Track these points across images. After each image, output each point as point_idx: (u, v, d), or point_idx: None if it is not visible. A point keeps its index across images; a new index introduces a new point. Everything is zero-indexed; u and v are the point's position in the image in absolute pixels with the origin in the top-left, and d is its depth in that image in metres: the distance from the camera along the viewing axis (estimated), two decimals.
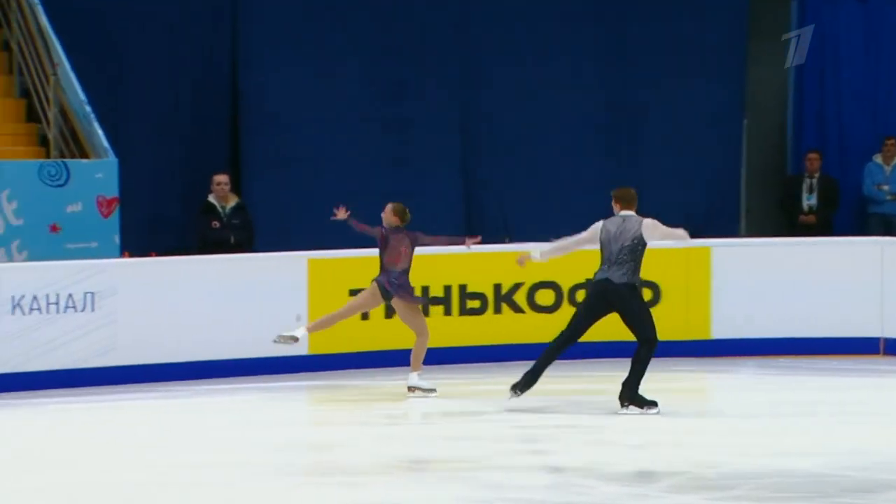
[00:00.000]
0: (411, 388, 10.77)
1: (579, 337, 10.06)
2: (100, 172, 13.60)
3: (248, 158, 16.14)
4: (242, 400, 11.33)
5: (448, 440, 9.39)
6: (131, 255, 13.66)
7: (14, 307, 11.29)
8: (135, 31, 15.61)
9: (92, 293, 11.92)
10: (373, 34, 15.97)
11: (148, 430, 10.12)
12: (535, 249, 10.46)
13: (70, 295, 11.81)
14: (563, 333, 10.06)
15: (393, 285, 10.78)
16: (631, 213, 10.05)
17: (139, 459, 8.65)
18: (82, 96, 13.93)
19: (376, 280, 10.86)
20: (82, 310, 11.89)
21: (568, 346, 10.06)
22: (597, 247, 10.02)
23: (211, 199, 14.17)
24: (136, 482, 7.78)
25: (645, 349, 9.75)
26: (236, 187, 15.06)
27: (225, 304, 12.47)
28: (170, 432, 9.97)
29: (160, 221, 15.41)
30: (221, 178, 14.43)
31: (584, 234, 10.08)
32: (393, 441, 9.47)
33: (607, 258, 9.90)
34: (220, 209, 14.26)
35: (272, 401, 11.35)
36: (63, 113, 14.01)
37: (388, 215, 10.89)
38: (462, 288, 12.93)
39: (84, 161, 13.77)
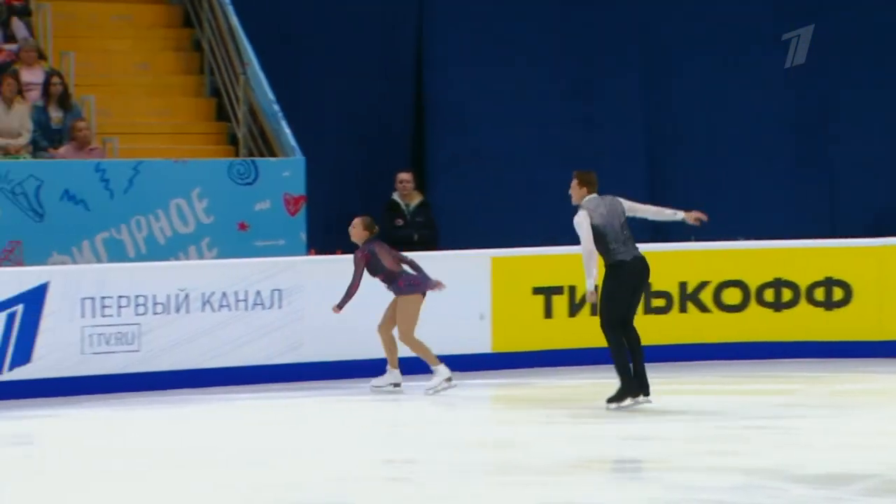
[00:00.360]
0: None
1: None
2: (287, 171, 13.79)
3: (431, 156, 16.24)
4: (426, 398, 11.35)
5: (636, 440, 9.21)
6: (317, 253, 13.82)
7: (204, 304, 11.47)
8: (321, 31, 15.92)
9: (279, 290, 12.06)
10: (557, 30, 15.94)
11: (334, 426, 10.21)
12: (591, 282, 9.88)
13: (258, 292, 11.96)
14: (619, 329, 9.86)
15: (412, 286, 10.90)
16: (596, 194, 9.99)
17: (330, 456, 8.71)
18: (270, 95, 14.16)
19: (401, 293, 10.95)
20: (270, 307, 12.03)
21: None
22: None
23: (395, 196, 14.26)
24: (330, 478, 7.82)
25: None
26: (420, 185, 15.08)
27: None
28: (355, 429, 10.03)
29: (345, 219, 15.51)
30: (405, 176, 14.49)
31: (589, 237, 9.74)
32: (580, 441, 9.31)
33: (615, 238, 9.77)
34: (403, 207, 14.33)
35: (457, 399, 11.29)
36: (252, 112, 14.27)
37: (359, 230, 11.01)
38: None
39: (272, 159, 14.00)
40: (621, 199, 9.96)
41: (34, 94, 13.47)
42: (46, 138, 13.45)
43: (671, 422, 9.79)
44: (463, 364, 12.00)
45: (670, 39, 16.21)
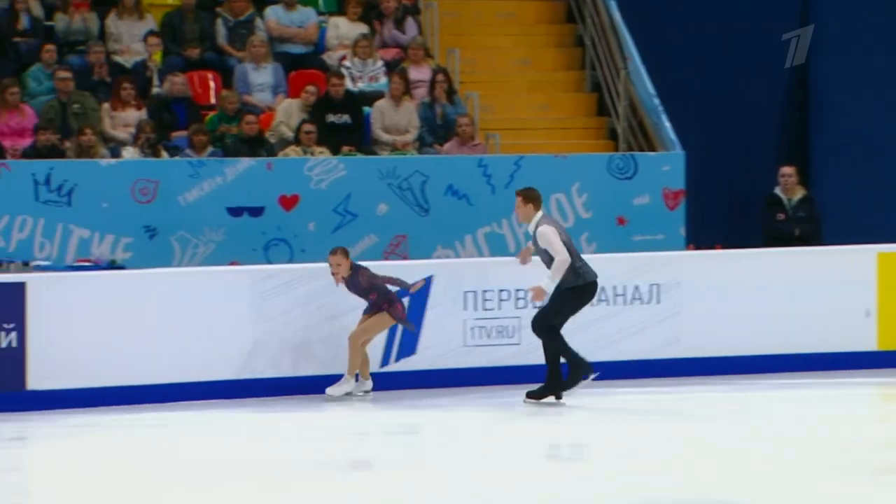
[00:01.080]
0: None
1: None
2: (667, 165, 13.79)
3: (816, 149, 16.06)
4: (821, 395, 11.28)
5: None
6: (696, 248, 13.82)
7: None
8: (700, 24, 16.07)
9: (657, 285, 12.04)
10: None
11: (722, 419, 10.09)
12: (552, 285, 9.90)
13: (636, 287, 11.99)
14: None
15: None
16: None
17: (723, 450, 8.60)
18: (651, 89, 14.29)
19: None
20: (648, 302, 12.04)
21: None
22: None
23: (777, 191, 14.07)
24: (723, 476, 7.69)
25: None
26: (804, 179, 14.87)
27: (789, 298, 12.21)
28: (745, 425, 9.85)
29: (724, 214, 15.53)
30: (788, 170, 14.23)
31: (563, 245, 9.74)
32: None
33: (578, 256, 9.96)
34: (785, 202, 14.07)
35: (838, 398, 11.20)
36: (632, 106, 14.41)
37: (345, 263, 10.22)
38: None
39: (651, 154, 14.09)
40: None
41: (421, 92, 14.00)
42: (432, 134, 13.92)
43: None
44: (846, 362, 11.89)
45: None
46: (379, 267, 10.80)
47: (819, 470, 7.88)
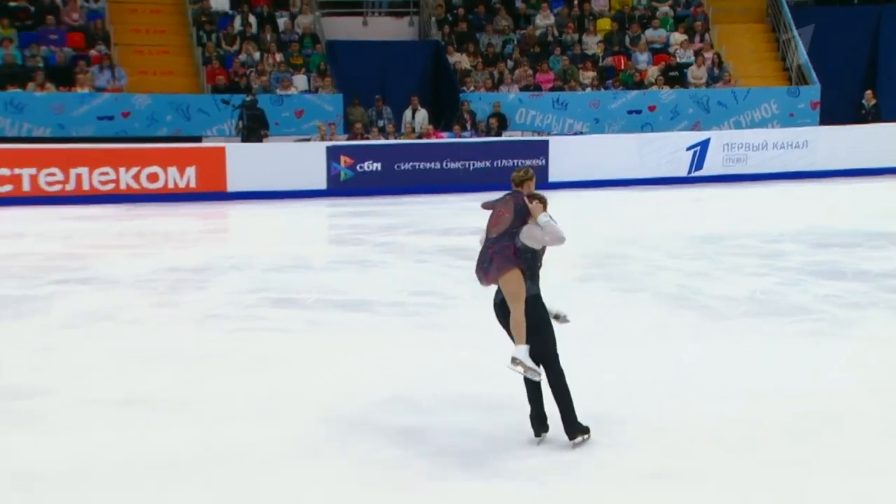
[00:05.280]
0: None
1: None
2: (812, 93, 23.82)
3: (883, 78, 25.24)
4: None
5: None
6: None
7: None
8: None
9: (807, 140, 21.05)
10: None
11: None
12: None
13: (805, 141, 20.76)
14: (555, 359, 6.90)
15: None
16: None
17: None
18: (805, 54, 24.05)
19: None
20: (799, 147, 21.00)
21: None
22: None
23: (862, 101, 22.60)
24: None
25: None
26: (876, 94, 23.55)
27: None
28: None
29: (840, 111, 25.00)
30: (868, 92, 22.79)
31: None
32: None
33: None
34: (867, 105, 22.08)
35: None
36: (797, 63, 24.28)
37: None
38: None
39: (805, 86, 23.57)
40: None
41: None
42: None
43: None
44: None
45: None
46: None
47: None
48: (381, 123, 23.54)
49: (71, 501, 6.38)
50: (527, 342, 6.73)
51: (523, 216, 6.76)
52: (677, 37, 26.73)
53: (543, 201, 6.86)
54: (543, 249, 6.88)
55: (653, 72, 25.59)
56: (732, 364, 8.90)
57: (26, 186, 19.79)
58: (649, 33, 26.68)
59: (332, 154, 21.19)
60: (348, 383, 8.53)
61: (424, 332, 10.32)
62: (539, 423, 7.09)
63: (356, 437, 7.30)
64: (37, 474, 6.70)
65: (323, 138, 21.86)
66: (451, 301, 11.62)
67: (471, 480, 6.58)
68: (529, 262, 6.81)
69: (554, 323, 6.97)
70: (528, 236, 6.76)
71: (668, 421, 7.52)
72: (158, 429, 7.46)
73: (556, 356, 6.89)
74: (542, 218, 6.77)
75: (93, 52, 23.12)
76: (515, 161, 20.97)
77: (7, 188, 19.74)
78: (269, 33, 24.77)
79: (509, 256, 6.73)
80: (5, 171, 19.73)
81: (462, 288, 11.52)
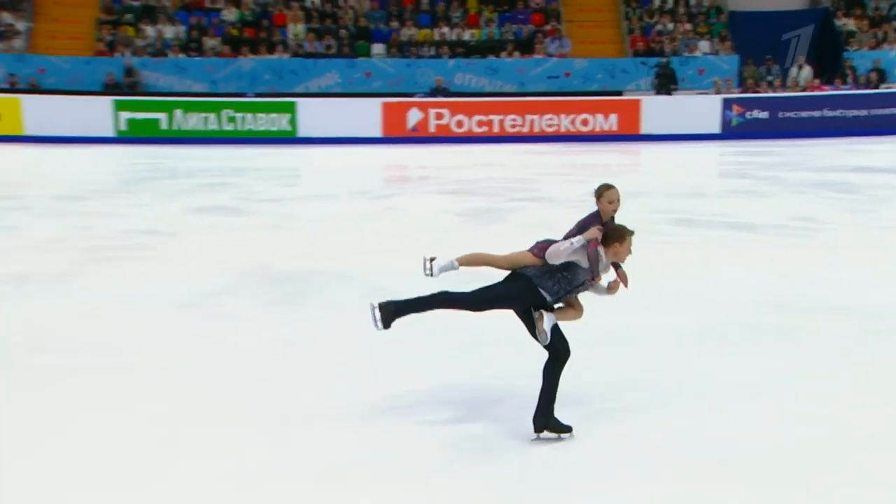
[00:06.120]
0: None
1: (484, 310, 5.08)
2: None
3: None
4: None
5: None
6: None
7: None
8: None
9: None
10: None
11: None
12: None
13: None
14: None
15: None
16: None
17: None
18: None
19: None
20: None
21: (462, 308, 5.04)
22: None
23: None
24: None
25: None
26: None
27: None
28: None
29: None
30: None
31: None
32: None
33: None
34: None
35: None
36: None
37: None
38: None
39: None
40: None
41: None
42: None
43: None
44: None
45: None
46: None
47: None
48: (769, 79, 22.63)
49: None
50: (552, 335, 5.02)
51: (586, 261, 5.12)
52: None
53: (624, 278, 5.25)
54: (577, 287, 5.17)
55: None
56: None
57: (496, 128, 20.72)
58: None
59: (726, 104, 20.78)
60: (734, 288, 8.05)
61: (799, 252, 9.53)
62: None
63: None
64: None
65: (718, 91, 21.53)
66: (826, 226, 10.67)
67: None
68: (564, 280, 5.13)
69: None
70: (554, 254, 5.13)
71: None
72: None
73: (567, 353, 5.05)
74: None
75: (548, 27, 23.97)
76: (891, 110, 19.65)
77: (482, 129, 20.64)
78: (682, 7, 24.47)
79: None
80: (482, 117, 20.70)
81: (838, 216, 10.78)
